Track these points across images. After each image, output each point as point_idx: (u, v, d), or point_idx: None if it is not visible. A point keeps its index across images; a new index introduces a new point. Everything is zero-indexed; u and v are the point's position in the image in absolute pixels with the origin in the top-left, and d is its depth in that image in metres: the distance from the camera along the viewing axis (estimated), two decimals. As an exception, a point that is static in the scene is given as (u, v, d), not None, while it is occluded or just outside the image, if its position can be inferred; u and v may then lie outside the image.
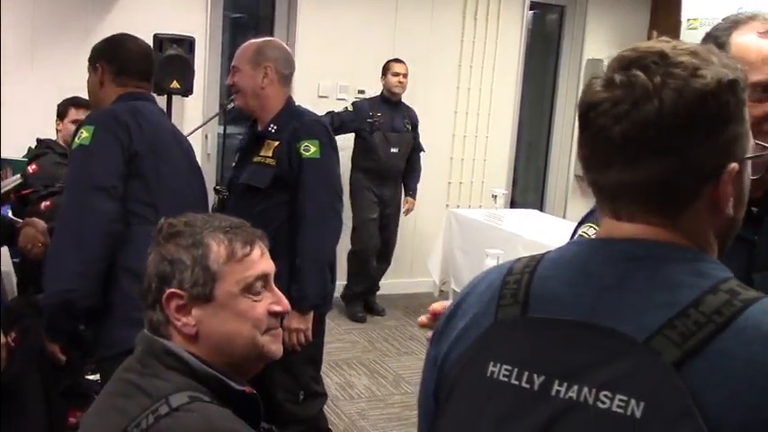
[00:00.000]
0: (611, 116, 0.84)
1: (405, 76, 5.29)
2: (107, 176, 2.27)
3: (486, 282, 0.99)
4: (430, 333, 1.12)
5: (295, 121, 2.69)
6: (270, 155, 2.68)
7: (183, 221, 1.30)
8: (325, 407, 3.99)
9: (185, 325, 1.25)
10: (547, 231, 5.02)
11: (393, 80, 5.26)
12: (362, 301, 5.49)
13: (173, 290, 1.25)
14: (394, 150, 5.26)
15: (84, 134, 2.31)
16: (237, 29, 6.06)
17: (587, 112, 0.87)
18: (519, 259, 0.98)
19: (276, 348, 1.31)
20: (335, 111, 5.15)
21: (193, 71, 4.70)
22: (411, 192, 5.54)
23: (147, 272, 1.29)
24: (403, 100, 5.42)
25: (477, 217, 5.45)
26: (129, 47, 2.51)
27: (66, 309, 2.24)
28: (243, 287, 1.26)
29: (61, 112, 3.69)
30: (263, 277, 1.29)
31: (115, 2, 4.90)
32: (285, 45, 2.86)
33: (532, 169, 7.20)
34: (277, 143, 2.67)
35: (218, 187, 3.13)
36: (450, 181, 6.27)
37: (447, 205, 6.09)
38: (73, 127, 3.48)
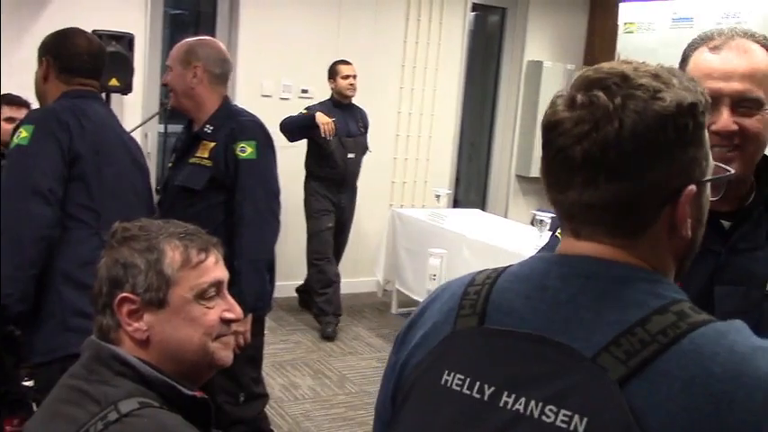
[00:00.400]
0: (573, 136, 0.85)
1: (354, 77, 5.12)
2: (45, 179, 2.20)
3: (449, 291, 1.00)
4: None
5: (232, 121, 2.67)
6: (206, 156, 2.65)
7: (138, 226, 1.28)
8: (269, 408, 3.95)
9: (137, 330, 1.23)
10: (489, 231, 5.08)
11: (344, 83, 5.07)
12: (335, 316, 5.18)
13: (125, 294, 1.23)
14: (351, 156, 5.07)
15: (24, 134, 2.24)
16: (178, 26, 5.97)
17: (549, 131, 0.88)
18: (482, 271, 0.99)
19: (226, 356, 1.30)
20: (291, 116, 5.00)
21: (133, 69, 4.62)
22: None
23: (98, 275, 1.27)
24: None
25: (420, 217, 5.49)
26: (77, 42, 2.43)
27: None
28: (196, 293, 1.25)
29: (-6, 110, 3.58)
30: (217, 284, 1.29)
31: (49, 2, 4.77)
32: (220, 44, 2.81)
33: (474, 169, 7.28)
34: (213, 144, 2.64)
35: (158, 187, 3.08)
36: (393, 181, 6.29)
37: (391, 205, 6.11)
38: (6, 125, 3.38)
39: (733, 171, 1.08)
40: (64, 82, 2.41)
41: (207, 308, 1.26)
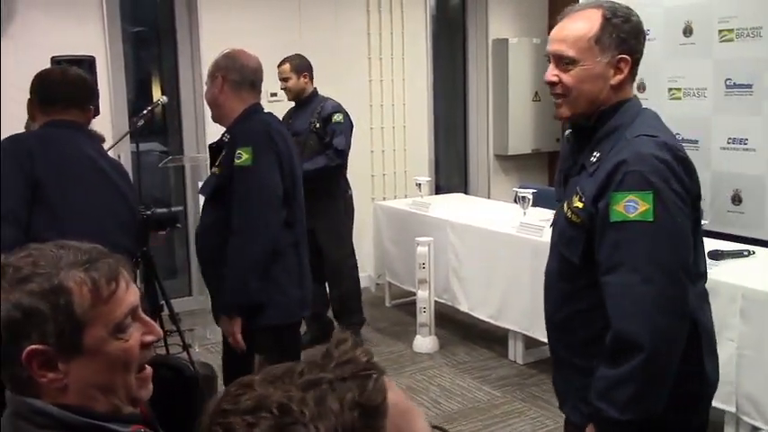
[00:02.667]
0: None
1: (285, 79, 4.73)
2: (5, 202, 2.31)
3: None
4: None
5: (239, 127, 2.70)
6: (218, 164, 2.72)
7: (31, 261, 1.11)
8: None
9: (53, 381, 1.11)
10: (473, 213, 5.08)
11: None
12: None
13: (33, 347, 1.08)
14: None
15: None
16: (139, 43, 5.90)
17: None
18: None
19: (146, 393, 1.19)
20: None
21: (97, 91, 4.56)
22: None
23: None
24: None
25: (403, 207, 5.48)
26: (52, 76, 2.61)
27: None
28: (112, 329, 1.13)
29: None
30: (132, 311, 1.16)
31: (8, 26, 4.70)
32: (247, 53, 2.81)
33: (453, 153, 7.27)
34: (225, 153, 2.70)
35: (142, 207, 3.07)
36: (373, 174, 6.27)
37: (373, 198, 6.09)
38: None
39: None
40: (44, 113, 2.55)
41: (125, 341, 1.14)
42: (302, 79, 4.74)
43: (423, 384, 4.31)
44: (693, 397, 1.78)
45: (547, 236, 4.24)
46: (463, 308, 4.84)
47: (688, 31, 5.32)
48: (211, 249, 2.71)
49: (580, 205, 1.74)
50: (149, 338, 1.18)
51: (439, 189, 6.79)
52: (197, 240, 2.85)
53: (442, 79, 6.94)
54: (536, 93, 6.90)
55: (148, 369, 1.20)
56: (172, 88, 5.61)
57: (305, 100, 4.77)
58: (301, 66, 4.76)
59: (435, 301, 4.85)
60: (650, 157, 1.65)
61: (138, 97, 5.57)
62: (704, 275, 1.85)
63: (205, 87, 2.82)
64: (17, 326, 1.08)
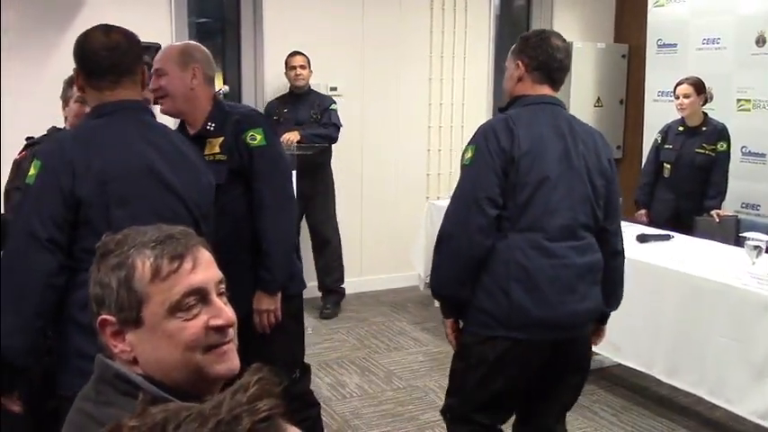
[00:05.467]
0: None
1: (303, 67, 5.25)
2: (41, 226, 1.99)
3: None
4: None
5: (233, 114, 2.70)
6: (218, 150, 2.64)
7: (117, 239, 1.20)
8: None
9: (122, 351, 1.16)
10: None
11: (291, 74, 5.27)
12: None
13: (104, 316, 1.17)
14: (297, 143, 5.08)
15: (32, 171, 2.05)
16: (204, 34, 5.99)
17: None
18: None
19: (226, 368, 1.18)
20: None
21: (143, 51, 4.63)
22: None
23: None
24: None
25: (457, 207, 5.43)
26: (94, 41, 2.15)
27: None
28: (169, 307, 1.14)
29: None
30: (196, 292, 1.16)
31: (76, 15, 4.82)
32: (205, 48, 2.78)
33: (510, 156, 7.19)
34: (221, 138, 2.65)
35: None
36: (428, 173, 6.25)
37: (427, 197, 6.07)
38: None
39: None
40: (95, 89, 2.14)
41: (185, 320, 1.15)
42: (310, 72, 5.31)
43: (468, 387, 4.28)
44: (504, 314, 2.40)
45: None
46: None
47: (761, 41, 5.16)
48: (240, 232, 2.68)
49: None
50: (215, 322, 1.17)
51: (494, 191, 6.72)
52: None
53: (503, 80, 6.86)
54: (598, 98, 6.78)
55: (226, 346, 1.18)
56: (233, 79, 5.69)
57: (307, 92, 5.32)
58: (308, 60, 5.30)
59: (485, 304, 4.80)
60: (487, 124, 2.56)
61: (200, 86, 5.65)
62: (542, 230, 2.40)
63: (166, 76, 2.59)
64: (98, 298, 1.18)
